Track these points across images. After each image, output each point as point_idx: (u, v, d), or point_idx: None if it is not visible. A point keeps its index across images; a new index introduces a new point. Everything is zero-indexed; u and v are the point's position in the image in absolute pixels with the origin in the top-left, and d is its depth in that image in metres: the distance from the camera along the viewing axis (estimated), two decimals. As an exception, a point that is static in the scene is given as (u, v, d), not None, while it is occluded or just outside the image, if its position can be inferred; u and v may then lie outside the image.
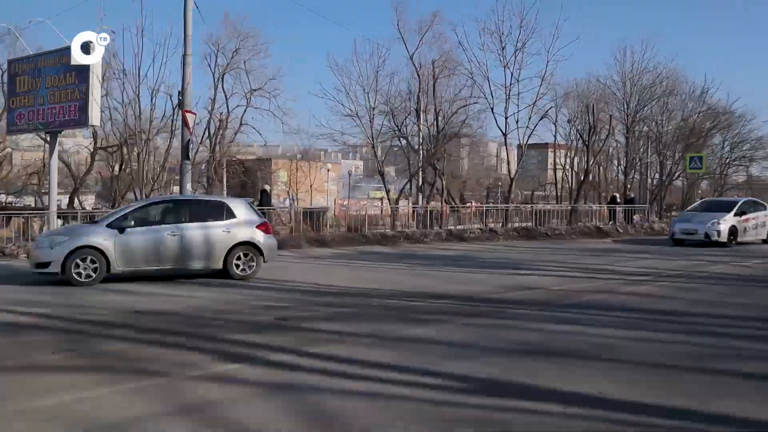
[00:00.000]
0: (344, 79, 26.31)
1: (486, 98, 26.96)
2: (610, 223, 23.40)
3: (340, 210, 39.26)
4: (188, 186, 17.26)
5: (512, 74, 25.56)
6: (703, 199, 24.24)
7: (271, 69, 38.67)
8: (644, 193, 53.49)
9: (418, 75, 29.33)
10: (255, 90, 37.89)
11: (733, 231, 17.78)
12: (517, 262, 13.15)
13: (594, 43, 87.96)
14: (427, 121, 34.55)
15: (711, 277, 11.08)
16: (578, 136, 26.21)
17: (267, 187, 23.30)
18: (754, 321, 7.13)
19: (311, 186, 48.67)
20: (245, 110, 39.80)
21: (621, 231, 21.69)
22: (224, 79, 37.65)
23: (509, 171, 27.80)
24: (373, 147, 26.74)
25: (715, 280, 10.76)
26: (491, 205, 33.17)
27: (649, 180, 54.11)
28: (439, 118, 33.88)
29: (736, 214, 18.09)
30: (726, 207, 18.79)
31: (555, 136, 53.16)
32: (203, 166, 38.02)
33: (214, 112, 39.35)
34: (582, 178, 28.12)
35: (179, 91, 17.57)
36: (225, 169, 40.37)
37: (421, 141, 31.08)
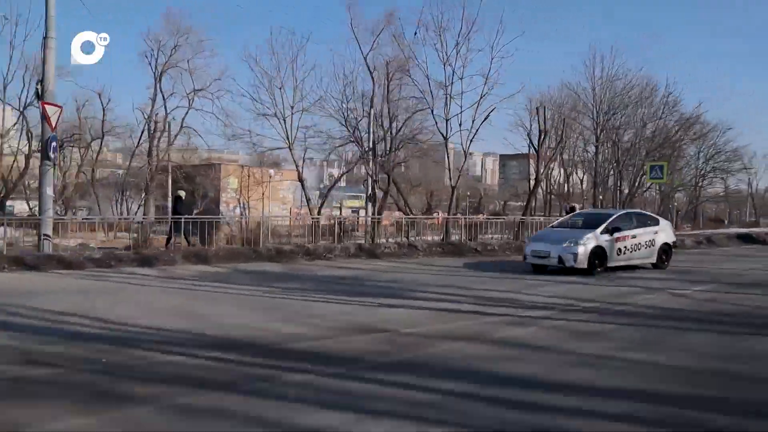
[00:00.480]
0: (258, 74, 23.51)
1: (425, 98, 24.48)
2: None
3: (296, 219, 36.74)
4: (48, 190, 14.63)
5: (454, 72, 23.14)
6: (576, 212, 19.53)
7: (216, 69, 36.15)
8: (616, 205, 51.56)
9: (372, 77, 26.98)
10: (198, 90, 35.33)
11: (598, 253, 13.21)
12: (402, 288, 10.56)
13: (571, 50, 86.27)
14: (384, 126, 32.39)
15: (630, 314, 8.57)
16: (529, 141, 23.91)
17: (181, 193, 20.78)
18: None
19: (263, 194, 46.00)
20: (186, 112, 36.97)
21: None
22: (163, 79, 35.31)
23: (450, 179, 25.40)
24: (290, 149, 24.13)
25: (633, 318, 8.24)
26: (459, 216, 30.93)
27: (618, 192, 52.28)
28: (393, 123, 31.88)
29: (605, 231, 13.45)
30: (596, 222, 14.05)
31: (529, 146, 51.15)
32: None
33: (151, 114, 36.81)
34: (532, 187, 25.73)
35: (38, 81, 14.99)
36: (170, 176, 37.66)
37: (369, 146, 28.72)
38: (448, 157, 25.98)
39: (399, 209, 36.43)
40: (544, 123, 23.94)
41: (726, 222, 73.41)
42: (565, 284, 11.51)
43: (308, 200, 23.99)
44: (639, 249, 14.15)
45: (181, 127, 38.61)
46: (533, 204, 28.59)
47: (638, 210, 19.79)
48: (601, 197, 54.17)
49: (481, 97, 22.18)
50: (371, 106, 30.78)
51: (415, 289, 10.40)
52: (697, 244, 23.94)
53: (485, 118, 21.84)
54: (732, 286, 11.65)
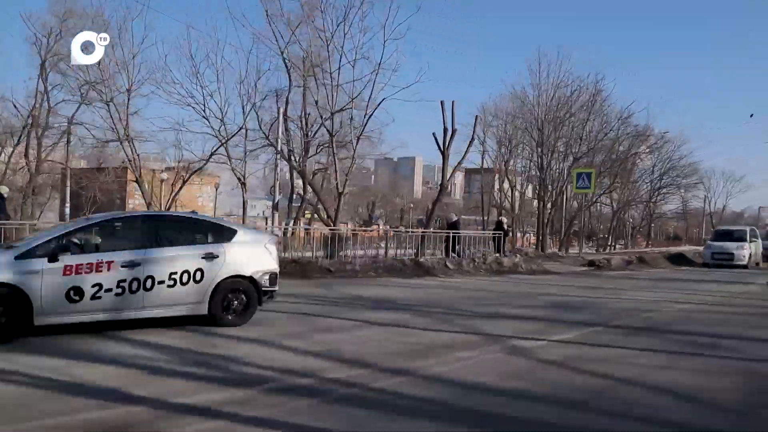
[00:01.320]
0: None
1: (309, 89, 20.69)
2: (451, 254, 17.27)
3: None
4: None
5: (342, 57, 19.42)
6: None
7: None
8: (561, 221, 48.35)
9: (288, 74, 23.09)
10: (95, 84, 30.88)
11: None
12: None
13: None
14: (305, 126, 28.63)
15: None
16: (435, 141, 20.11)
17: (3, 191, 16.48)
18: None
19: (174, 200, 41.54)
20: (78, 107, 32.24)
21: (452, 267, 15.46)
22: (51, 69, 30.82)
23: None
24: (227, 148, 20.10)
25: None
26: (401, 229, 27.24)
27: (564, 206, 49.05)
28: (313, 125, 28.13)
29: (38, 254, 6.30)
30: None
31: (483, 158, 47.64)
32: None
33: (34, 109, 32.18)
34: (437, 195, 21.93)
35: None
36: (68, 178, 32.99)
37: (278, 149, 24.92)
38: (335, 161, 21.99)
39: (321, 220, 32.39)
40: (452, 120, 20.24)
41: (684, 240, 71.42)
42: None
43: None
44: (154, 288, 6.75)
45: (70, 124, 33.66)
46: (428, 217, 24.37)
47: (180, 213, 10.00)
48: (551, 212, 51.00)
49: (365, 87, 18.49)
50: (286, 105, 27.19)
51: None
52: (625, 265, 20.42)
53: (371, 113, 18.19)
54: (618, 332, 7.85)
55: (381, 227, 64.53)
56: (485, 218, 48.43)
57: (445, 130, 20.16)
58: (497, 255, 17.24)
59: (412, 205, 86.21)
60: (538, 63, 38.37)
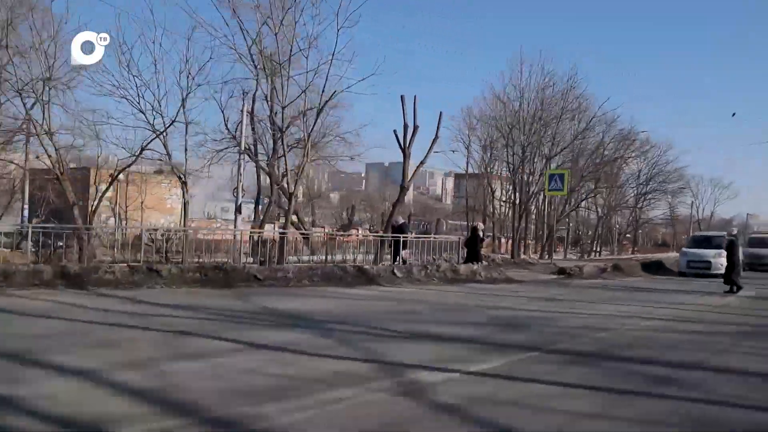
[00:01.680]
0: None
1: (256, 80, 19.22)
2: (405, 261, 15.79)
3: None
4: None
5: (293, 46, 17.92)
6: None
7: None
8: (541, 227, 47.02)
9: (257, 71, 21.52)
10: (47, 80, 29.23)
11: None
12: None
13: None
14: (273, 124, 27.11)
15: None
16: (395, 138, 18.64)
17: None
18: None
19: (142, 203, 39.87)
20: (33, 104, 30.54)
21: (400, 275, 13.99)
22: None
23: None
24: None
25: None
26: (379, 234, 25.68)
27: (545, 212, 47.78)
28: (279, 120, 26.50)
29: None
30: None
31: (467, 161, 46.31)
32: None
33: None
34: (398, 196, 20.48)
35: None
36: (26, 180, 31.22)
37: (242, 149, 23.51)
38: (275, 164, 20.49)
39: (292, 224, 30.89)
40: (414, 116, 18.84)
41: (672, 247, 70.23)
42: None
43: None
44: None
45: (27, 121, 31.83)
46: (387, 222, 22.78)
47: None
48: (521, 216, 49.79)
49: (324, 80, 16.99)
50: (253, 103, 25.62)
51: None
52: (598, 273, 19.03)
53: (322, 106, 16.72)
54: (556, 360, 6.37)
55: (360, 232, 63.16)
56: (469, 224, 46.96)
57: (405, 127, 18.77)
58: (451, 263, 15.78)
59: (412, 212, 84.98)
60: (520, 64, 37.16)
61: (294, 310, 9.20)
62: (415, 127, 19.28)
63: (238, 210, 25.15)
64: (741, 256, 21.86)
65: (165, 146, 19.13)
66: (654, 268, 21.49)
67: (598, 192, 47.33)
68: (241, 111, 25.38)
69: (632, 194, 59.27)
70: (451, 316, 9.39)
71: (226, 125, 23.72)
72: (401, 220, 17.60)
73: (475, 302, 11.15)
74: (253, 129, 26.99)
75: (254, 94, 26.44)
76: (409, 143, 19.38)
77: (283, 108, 18.74)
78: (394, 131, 19.63)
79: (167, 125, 18.85)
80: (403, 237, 15.82)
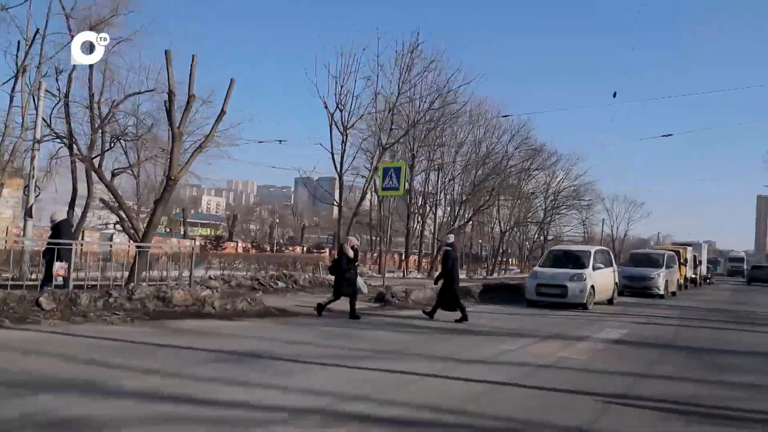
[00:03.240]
0: None
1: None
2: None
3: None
4: None
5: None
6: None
7: None
8: (433, 243, 42.16)
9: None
10: None
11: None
12: None
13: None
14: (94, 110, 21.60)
15: None
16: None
17: None
18: None
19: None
20: None
21: (48, 307, 8.07)
22: None
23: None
24: None
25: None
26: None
27: (435, 224, 43.08)
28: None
29: None
30: None
31: (340, 165, 40.88)
32: None
33: None
34: (161, 193, 14.52)
35: None
36: None
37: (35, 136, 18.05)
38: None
39: (126, 232, 24.27)
40: (190, 82, 13.01)
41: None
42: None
43: None
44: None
45: None
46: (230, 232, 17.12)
47: None
48: (428, 231, 44.82)
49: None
50: (69, 83, 20.76)
51: None
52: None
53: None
54: None
55: (240, 245, 56.55)
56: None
57: (171, 96, 12.93)
58: (160, 287, 9.94)
59: (306, 223, 79.05)
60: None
61: None
62: (190, 97, 13.52)
63: (28, 213, 18.54)
64: (617, 279, 17.22)
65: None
66: (510, 292, 16.31)
67: (489, 205, 42.71)
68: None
69: (540, 208, 55.71)
70: None
71: (36, 109, 18.23)
72: (58, 218, 11.27)
73: (121, 365, 5.29)
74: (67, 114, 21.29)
75: (70, 74, 20.97)
76: (181, 120, 13.57)
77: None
78: (165, 102, 13.77)
79: None
80: (59, 243, 9.82)
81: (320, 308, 10.87)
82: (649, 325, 12.17)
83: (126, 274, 11.95)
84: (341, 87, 16.36)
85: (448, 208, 43.18)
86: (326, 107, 16.90)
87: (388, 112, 16.55)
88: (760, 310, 17.86)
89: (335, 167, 17.03)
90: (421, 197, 42.34)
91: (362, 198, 18.95)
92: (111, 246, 24.22)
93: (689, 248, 31.57)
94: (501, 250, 51.95)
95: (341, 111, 17.09)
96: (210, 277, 15.01)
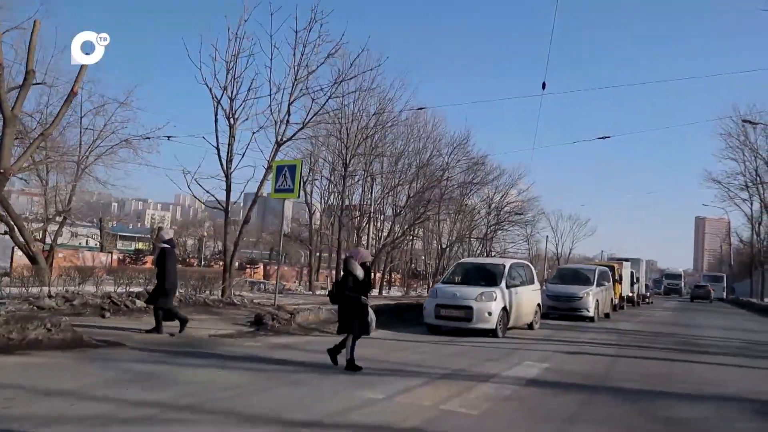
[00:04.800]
0: None
1: None
2: None
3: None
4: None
5: None
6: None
7: None
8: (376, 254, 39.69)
9: None
10: None
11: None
12: None
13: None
14: None
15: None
16: None
17: None
18: None
19: None
20: None
21: None
22: None
23: None
24: None
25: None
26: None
27: (377, 236, 40.77)
28: None
29: None
30: None
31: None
32: None
33: None
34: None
35: None
36: None
37: None
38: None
39: (17, 244, 20.98)
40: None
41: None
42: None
43: None
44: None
45: None
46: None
47: None
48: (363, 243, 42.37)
49: None
50: None
51: None
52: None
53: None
54: None
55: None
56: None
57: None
58: None
59: (243, 238, 75.42)
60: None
61: None
62: (28, 74, 10.74)
63: None
64: (539, 299, 14.82)
65: None
66: (409, 312, 13.77)
67: (426, 218, 40.58)
68: None
69: (483, 223, 54.03)
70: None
71: None
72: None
73: None
74: None
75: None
76: (16, 101, 10.72)
77: None
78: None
79: None
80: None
81: (334, 353, 7.50)
82: (578, 356, 9.88)
83: None
84: (227, 71, 13.83)
85: (387, 224, 40.84)
86: (211, 93, 14.17)
87: (289, 103, 14.15)
88: (705, 333, 16.00)
89: (221, 165, 14.26)
90: (357, 210, 39.98)
91: (253, 204, 16.19)
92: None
93: (626, 263, 28.01)
94: (443, 266, 49.84)
95: (231, 100, 14.40)
96: (49, 295, 12.00)
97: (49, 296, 11.97)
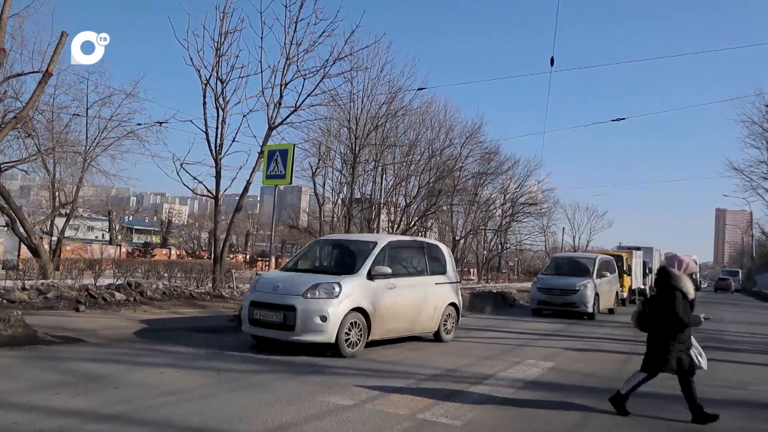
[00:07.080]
0: None
1: None
2: None
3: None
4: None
5: None
6: None
7: None
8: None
9: None
10: None
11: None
12: None
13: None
14: None
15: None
16: None
17: None
18: None
19: None
20: None
21: None
22: None
23: None
24: None
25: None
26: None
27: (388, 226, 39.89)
28: None
29: None
30: None
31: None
32: None
33: None
34: None
35: None
36: None
37: None
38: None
39: (18, 236, 20.69)
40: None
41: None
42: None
43: None
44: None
45: None
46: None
47: None
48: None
49: None
50: None
51: None
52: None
53: None
54: None
55: (174, 252, 52.47)
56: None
57: None
58: None
59: (250, 230, 75.06)
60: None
61: None
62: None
63: None
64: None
65: None
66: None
67: (437, 209, 39.65)
68: None
69: (498, 214, 52.96)
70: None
71: None
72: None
73: None
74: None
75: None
76: None
77: None
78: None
79: None
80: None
81: (620, 402, 5.56)
82: (588, 353, 8.96)
83: None
84: (216, 49, 13.02)
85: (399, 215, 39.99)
86: (199, 74, 13.40)
87: (281, 85, 13.27)
88: (728, 328, 14.93)
89: (210, 150, 13.50)
90: (367, 201, 39.19)
91: (245, 191, 15.43)
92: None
93: (637, 252, 24.21)
94: (457, 258, 48.89)
95: (220, 81, 13.61)
96: (23, 288, 11.33)
97: (23, 289, 11.32)
